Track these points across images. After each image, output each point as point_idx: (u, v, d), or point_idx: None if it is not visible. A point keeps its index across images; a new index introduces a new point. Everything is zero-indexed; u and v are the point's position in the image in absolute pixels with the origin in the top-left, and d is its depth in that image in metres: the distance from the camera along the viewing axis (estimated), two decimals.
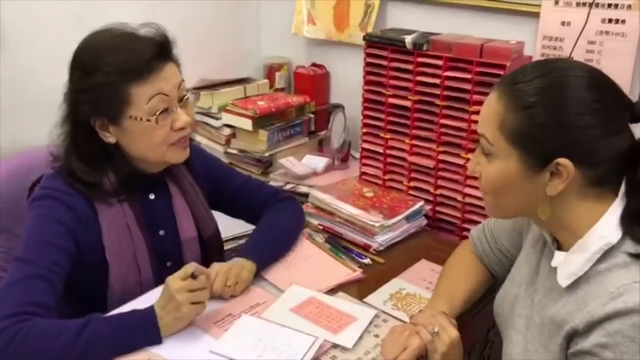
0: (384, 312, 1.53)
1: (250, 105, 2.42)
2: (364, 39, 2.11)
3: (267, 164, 2.44)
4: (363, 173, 2.25)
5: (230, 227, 1.93)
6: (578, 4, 1.93)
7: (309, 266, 1.71)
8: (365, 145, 2.21)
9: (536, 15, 2.01)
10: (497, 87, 1.19)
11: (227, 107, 2.47)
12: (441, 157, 2.01)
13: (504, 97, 1.16)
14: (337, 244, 1.84)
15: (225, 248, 1.85)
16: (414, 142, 2.07)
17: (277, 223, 1.77)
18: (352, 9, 2.51)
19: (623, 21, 1.86)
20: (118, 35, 1.47)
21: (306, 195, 2.08)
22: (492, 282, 1.56)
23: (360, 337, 1.42)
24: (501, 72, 1.79)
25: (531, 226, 1.39)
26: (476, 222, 1.88)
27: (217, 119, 2.51)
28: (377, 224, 1.84)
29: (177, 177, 1.65)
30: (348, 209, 1.91)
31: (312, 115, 2.60)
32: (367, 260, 1.77)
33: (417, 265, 1.76)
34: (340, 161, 2.46)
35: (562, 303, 1.18)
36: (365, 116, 2.18)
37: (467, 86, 1.88)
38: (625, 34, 1.86)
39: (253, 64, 2.87)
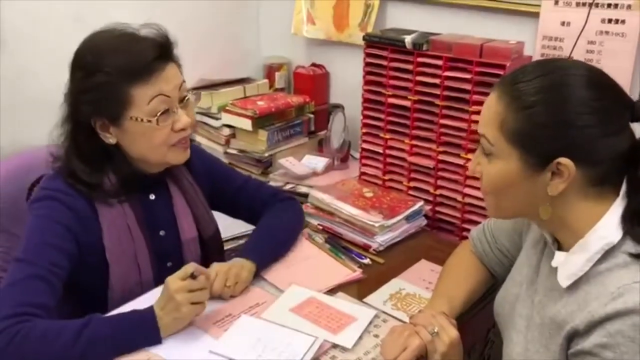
0: (383, 312, 1.53)
1: (250, 106, 2.42)
2: (364, 39, 2.11)
3: (266, 164, 2.44)
4: (363, 173, 2.25)
5: (230, 227, 1.93)
6: (578, 4, 1.93)
7: (309, 266, 1.71)
8: (365, 146, 2.21)
9: (536, 15, 2.01)
10: (497, 87, 1.19)
11: (227, 107, 2.47)
12: (441, 157, 2.01)
13: (504, 97, 1.16)
14: (337, 244, 1.84)
15: (225, 248, 1.85)
16: (414, 142, 2.07)
17: (277, 223, 1.77)
18: (351, 9, 2.51)
19: (623, 21, 1.86)
20: (119, 35, 1.47)
21: (306, 195, 2.08)
22: (492, 282, 1.56)
23: (360, 337, 1.42)
24: (501, 72, 1.79)
25: (531, 226, 1.39)
26: (476, 223, 1.88)
27: (217, 119, 2.51)
28: (376, 224, 1.84)
29: (177, 177, 1.65)
30: (348, 209, 1.91)
31: (311, 116, 2.60)
32: (366, 261, 1.77)
33: (416, 265, 1.76)
34: (340, 161, 2.46)
35: (562, 303, 1.18)
36: (365, 116, 2.18)
37: (467, 86, 1.88)
38: (625, 34, 1.86)
39: (253, 64, 2.87)
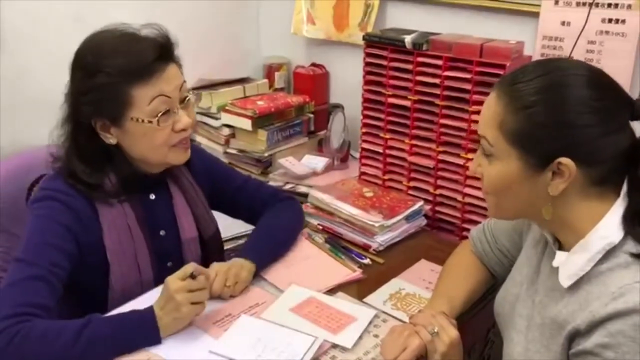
0: (383, 312, 1.53)
1: (250, 105, 2.42)
2: (364, 38, 2.11)
3: (266, 164, 2.44)
4: (363, 173, 2.25)
5: (230, 227, 1.93)
6: (578, 4, 1.93)
7: (309, 266, 1.71)
8: (365, 145, 2.21)
9: (536, 15, 2.01)
10: (496, 87, 1.19)
11: (227, 107, 2.47)
12: (441, 157, 2.01)
13: (504, 97, 1.15)
14: (337, 244, 1.84)
15: (225, 248, 1.85)
16: (414, 142, 2.07)
17: (276, 223, 1.77)
18: (351, 8, 2.51)
19: (623, 21, 1.86)
20: (120, 36, 1.47)
21: (306, 195, 2.07)
22: (492, 282, 1.56)
23: (360, 337, 1.42)
24: (501, 72, 1.79)
25: (531, 226, 1.39)
26: (476, 222, 1.88)
27: (217, 119, 2.51)
28: (376, 224, 1.84)
29: (177, 177, 1.65)
30: (348, 209, 1.91)
31: (311, 115, 2.60)
32: (366, 261, 1.77)
33: (416, 265, 1.76)
34: (339, 161, 2.46)
35: (563, 303, 1.18)
36: (365, 116, 2.18)
37: (467, 86, 1.88)
38: (625, 33, 1.86)
39: (252, 64, 2.87)
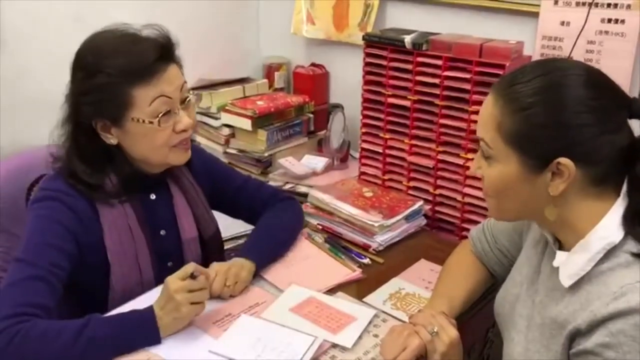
0: (383, 312, 1.53)
1: (250, 105, 2.42)
2: (364, 38, 2.11)
3: (266, 164, 2.44)
4: (362, 173, 2.25)
5: (230, 226, 1.93)
6: (577, 4, 1.93)
7: (309, 266, 1.71)
8: (365, 145, 2.21)
9: (535, 15, 2.01)
10: (493, 90, 1.19)
11: (226, 107, 2.47)
12: (440, 157, 2.01)
13: (500, 99, 1.16)
14: (337, 244, 1.84)
15: (225, 248, 1.85)
16: (414, 142, 2.07)
17: (276, 223, 1.77)
18: (351, 8, 2.51)
19: (622, 21, 1.86)
20: (120, 36, 1.46)
21: (305, 195, 2.08)
22: (492, 282, 1.56)
23: (360, 337, 1.42)
24: (501, 72, 1.79)
25: (531, 226, 1.39)
26: (476, 222, 1.89)
27: (216, 118, 2.51)
28: (376, 224, 1.84)
29: (178, 177, 1.65)
30: (347, 209, 1.91)
31: (311, 115, 2.60)
32: (366, 260, 1.77)
33: (416, 265, 1.76)
34: (339, 161, 2.46)
35: (564, 303, 1.18)
36: (365, 116, 2.18)
37: (467, 86, 1.88)
38: (625, 33, 1.86)
39: (252, 64, 2.87)
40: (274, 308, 1.51)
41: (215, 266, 1.55)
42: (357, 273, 1.69)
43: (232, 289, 1.54)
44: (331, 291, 1.60)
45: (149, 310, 1.37)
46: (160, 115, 1.45)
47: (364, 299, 1.58)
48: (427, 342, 1.30)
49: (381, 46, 2.06)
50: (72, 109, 1.48)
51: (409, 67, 2.00)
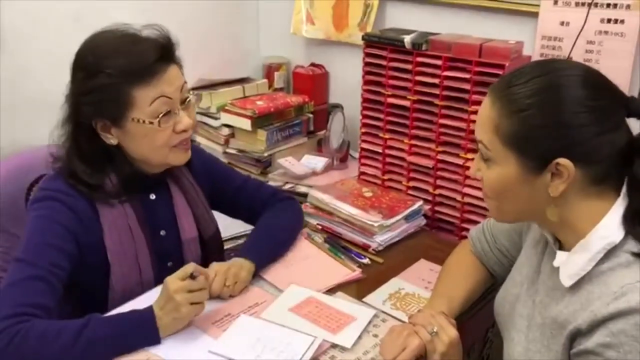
0: (383, 312, 1.53)
1: (249, 105, 2.42)
2: (363, 38, 2.11)
3: (266, 164, 2.44)
4: (362, 173, 2.25)
5: (229, 226, 1.93)
6: (577, 4, 1.93)
7: (308, 266, 1.71)
8: (364, 145, 2.22)
9: (535, 15, 2.01)
10: (491, 91, 1.19)
11: (226, 107, 2.47)
12: (440, 157, 2.01)
13: (498, 101, 1.16)
14: (336, 244, 1.84)
15: (225, 248, 1.85)
16: (413, 142, 2.07)
17: (276, 223, 1.77)
18: (351, 8, 2.51)
19: (622, 21, 1.86)
20: (121, 36, 1.46)
21: (305, 195, 2.08)
22: (492, 282, 1.56)
23: (359, 337, 1.42)
24: (500, 72, 1.79)
25: (531, 226, 1.39)
26: (475, 222, 1.89)
27: (216, 118, 2.51)
28: (376, 224, 1.84)
29: (177, 177, 1.65)
30: (347, 209, 1.91)
31: (311, 115, 2.60)
32: (366, 260, 1.77)
33: (416, 265, 1.76)
34: (339, 161, 2.46)
35: (564, 303, 1.18)
36: (364, 116, 2.18)
37: (466, 86, 1.88)
38: (624, 33, 1.86)
39: (252, 64, 2.87)
40: (273, 308, 1.51)
41: (215, 266, 1.55)
42: (356, 273, 1.69)
43: (232, 289, 1.54)
44: (331, 291, 1.60)
45: (149, 310, 1.37)
46: (160, 116, 1.45)
47: (364, 299, 1.58)
48: (426, 342, 1.30)
49: (381, 46, 2.06)
50: (72, 109, 1.48)
51: (409, 67, 2.00)
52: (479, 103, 1.25)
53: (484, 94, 1.22)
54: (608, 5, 1.87)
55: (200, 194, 1.69)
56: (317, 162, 2.40)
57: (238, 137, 2.48)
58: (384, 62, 2.06)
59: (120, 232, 1.52)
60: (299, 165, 2.36)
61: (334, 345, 1.39)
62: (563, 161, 1.10)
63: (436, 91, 1.96)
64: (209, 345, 1.38)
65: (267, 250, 1.70)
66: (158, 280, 1.53)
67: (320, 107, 2.63)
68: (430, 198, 2.06)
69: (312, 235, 1.87)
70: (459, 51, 1.90)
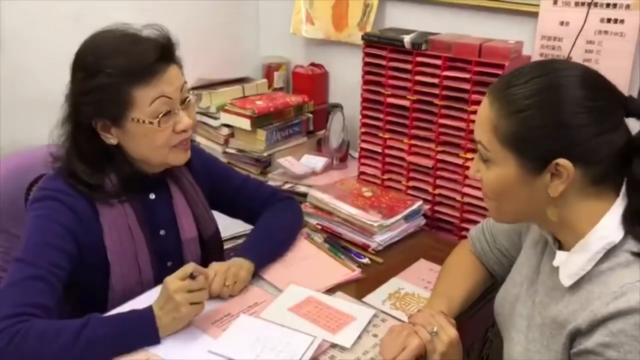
0: (382, 311, 1.53)
1: (249, 105, 2.42)
2: (363, 38, 2.11)
3: (265, 164, 2.44)
4: (362, 173, 2.25)
5: (229, 226, 1.93)
6: (577, 4, 1.93)
7: (308, 266, 1.71)
8: (364, 145, 2.22)
9: (535, 15, 2.01)
10: (489, 92, 1.19)
11: (226, 107, 2.48)
12: (440, 156, 2.01)
13: (496, 102, 1.16)
14: (336, 244, 1.84)
15: (225, 247, 1.85)
16: (413, 141, 2.07)
17: (275, 223, 1.77)
18: (350, 8, 2.51)
19: (622, 21, 1.86)
20: (121, 36, 1.46)
21: (305, 195, 2.08)
22: (491, 282, 1.56)
23: (359, 337, 1.42)
24: (500, 72, 1.79)
25: (531, 226, 1.39)
26: (475, 222, 1.89)
27: (216, 118, 2.51)
28: (375, 224, 1.84)
29: (177, 177, 1.65)
30: (347, 209, 1.91)
31: (310, 115, 2.60)
32: (365, 260, 1.77)
33: (415, 264, 1.76)
34: (338, 161, 2.46)
35: (564, 303, 1.18)
36: (364, 116, 2.18)
37: (466, 86, 1.88)
38: (624, 33, 1.86)
39: (252, 64, 2.87)
40: (273, 308, 1.51)
41: (215, 266, 1.55)
42: (356, 273, 1.69)
43: (231, 289, 1.54)
44: (330, 291, 1.60)
45: (148, 310, 1.37)
46: (160, 116, 1.45)
47: (363, 299, 1.58)
48: (426, 342, 1.30)
49: (380, 46, 2.06)
50: (72, 109, 1.47)
51: (408, 67, 2.00)
52: (478, 103, 1.25)
53: (483, 93, 1.22)
54: (608, 5, 1.87)
55: (200, 194, 1.69)
56: (317, 161, 2.40)
57: (237, 137, 2.48)
58: (383, 62, 2.06)
59: (120, 231, 1.52)
60: (299, 165, 2.36)
61: (334, 345, 1.39)
62: (562, 161, 1.10)
63: (436, 91, 1.96)
64: (209, 345, 1.38)
65: (266, 250, 1.70)
66: (158, 280, 1.52)
67: (319, 107, 2.63)
68: (429, 198, 2.06)
69: (311, 235, 1.87)
70: (459, 51, 1.90)
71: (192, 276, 1.38)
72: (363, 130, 2.20)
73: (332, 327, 1.44)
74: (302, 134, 2.58)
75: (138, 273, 1.55)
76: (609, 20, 1.88)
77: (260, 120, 2.40)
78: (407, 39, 1.98)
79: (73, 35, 1.49)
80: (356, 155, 2.31)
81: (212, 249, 1.72)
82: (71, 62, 1.46)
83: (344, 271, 1.70)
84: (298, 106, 2.54)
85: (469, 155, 1.92)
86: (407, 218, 1.94)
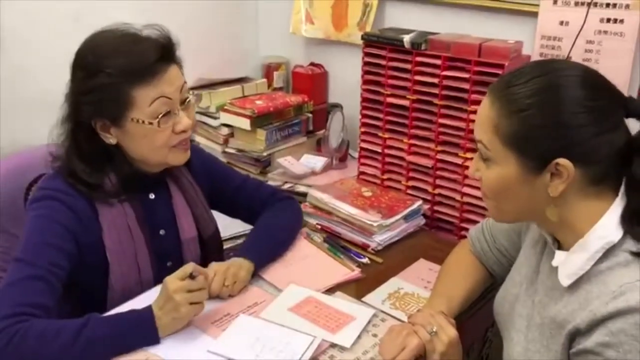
0: (382, 311, 1.53)
1: (249, 105, 2.42)
2: (363, 38, 2.12)
3: (265, 164, 2.44)
4: (361, 172, 2.25)
5: (229, 226, 1.93)
6: (576, 4, 1.93)
7: (307, 266, 1.71)
8: (364, 145, 2.22)
9: (534, 14, 2.01)
10: (490, 92, 1.19)
11: (225, 107, 2.48)
12: (439, 156, 2.01)
13: (497, 102, 1.16)
14: (336, 244, 1.84)
15: (224, 247, 1.85)
16: (413, 141, 2.07)
17: (275, 223, 1.77)
18: (350, 8, 2.51)
19: (621, 21, 1.86)
20: (121, 36, 1.46)
21: (304, 194, 2.08)
22: (491, 282, 1.56)
23: (359, 337, 1.42)
24: (499, 72, 1.79)
25: (530, 226, 1.39)
26: (474, 222, 1.89)
27: (215, 118, 2.51)
28: (375, 224, 1.84)
29: (177, 176, 1.65)
30: (346, 209, 1.91)
31: (310, 115, 2.60)
32: (365, 260, 1.77)
33: (415, 264, 1.76)
34: (338, 161, 2.46)
35: (563, 303, 1.18)
36: (364, 115, 2.18)
37: (466, 85, 1.89)
38: (624, 33, 1.86)
39: (251, 64, 2.87)
40: (272, 308, 1.51)
41: (214, 266, 1.55)
42: (356, 273, 1.69)
43: (231, 289, 1.54)
44: (330, 291, 1.60)
45: (148, 310, 1.37)
46: (160, 116, 1.45)
47: (363, 299, 1.58)
48: (426, 341, 1.30)
49: (380, 46, 2.06)
50: (71, 109, 1.47)
51: (408, 66, 2.00)
52: (478, 103, 1.25)
53: (483, 93, 1.22)
54: (607, 5, 1.87)
55: (200, 194, 1.69)
56: (317, 161, 2.40)
57: (237, 137, 2.48)
58: (383, 62, 2.06)
59: (119, 231, 1.52)
60: (298, 165, 2.36)
61: (333, 345, 1.39)
62: (563, 161, 1.10)
63: (435, 91, 1.96)
64: (208, 345, 1.38)
65: (266, 249, 1.70)
66: (157, 280, 1.52)
67: (319, 107, 2.63)
68: (429, 198, 2.07)
69: (311, 235, 1.87)
70: (458, 51, 1.90)
71: (191, 276, 1.38)
72: (363, 130, 2.20)
73: (331, 327, 1.44)
74: (302, 133, 2.58)
75: (137, 273, 1.55)
76: (608, 20, 1.88)
77: (259, 120, 2.40)
78: (406, 38, 1.98)
79: (73, 35, 1.49)
80: (356, 155, 2.32)
81: (211, 248, 1.72)
82: (71, 62, 1.46)
83: (344, 271, 1.70)
84: (298, 106, 2.54)
85: (469, 155, 1.92)
86: (406, 218, 1.94)
